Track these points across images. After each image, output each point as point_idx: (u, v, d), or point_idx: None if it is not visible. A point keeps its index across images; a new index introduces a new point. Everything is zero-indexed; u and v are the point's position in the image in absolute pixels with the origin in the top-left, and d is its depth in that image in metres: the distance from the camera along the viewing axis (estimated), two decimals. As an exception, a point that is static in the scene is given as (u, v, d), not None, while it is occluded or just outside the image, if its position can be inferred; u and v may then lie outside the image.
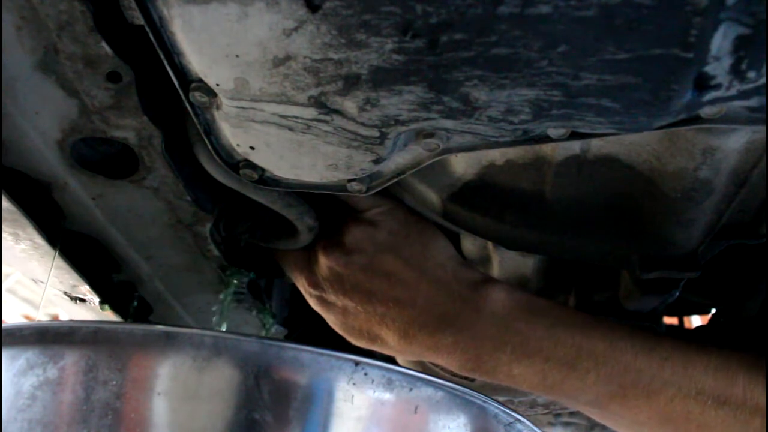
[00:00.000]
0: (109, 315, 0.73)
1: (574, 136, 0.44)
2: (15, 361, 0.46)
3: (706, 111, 0.40)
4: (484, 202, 0.63)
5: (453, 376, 0.72)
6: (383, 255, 0.63)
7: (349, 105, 0.41)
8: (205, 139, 0.50)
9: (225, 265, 0.71)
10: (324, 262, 0.65)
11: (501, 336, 0.60)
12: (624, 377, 0.59)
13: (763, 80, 0.36)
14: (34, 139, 0.53)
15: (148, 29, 0.40)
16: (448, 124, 0.43)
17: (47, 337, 0.46)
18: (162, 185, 0.58)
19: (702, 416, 0.58)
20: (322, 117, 0.43)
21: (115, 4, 0.43)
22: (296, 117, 0.43)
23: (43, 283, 0.70)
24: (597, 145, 0.57)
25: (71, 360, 0.45)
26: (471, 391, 0.48)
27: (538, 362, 0.60)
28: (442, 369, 0.71)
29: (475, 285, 0.63)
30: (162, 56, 0.42)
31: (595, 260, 0.65)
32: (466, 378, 0.72)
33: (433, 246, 0.65)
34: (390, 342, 0.64)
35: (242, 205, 0.66)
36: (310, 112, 0.43)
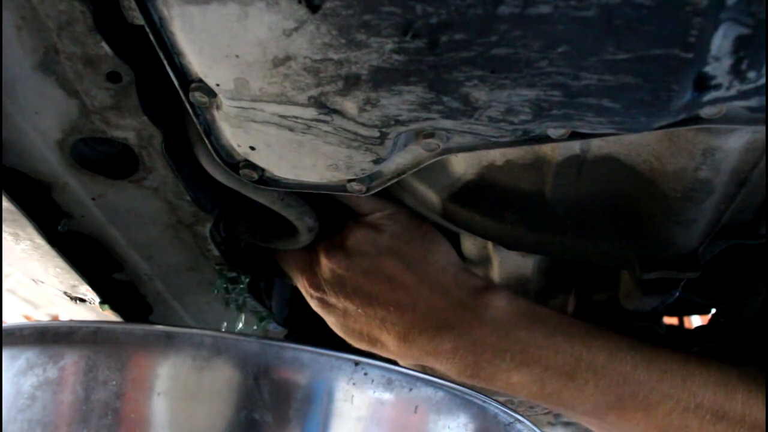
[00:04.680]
0: (109, 315, 0.73)
1: (574, 136, 0.44)
2: (15, 361, 0.46)
3: (706, 111, 0.40)
4: (484, 202, 0.63)
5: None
6: (385, 258, 0.63)
7: (349, 105, 0.41)
8: (205, 140, 0.50)
9: (223, 263, 0.71)
10: (326, 264, 0.65)
11: (501, 343, 0.60)
12: (623, 389, 0.58)
13: (763, 80, 0.36)
14: (34, 139, 0.53)
15: (148, 29, 0.40)
16: (448, 124, 0.43)
17: (47, 337, 0.46)
18: (162, 185, 0.58)
19: (700, 430, 0.57)
20: (322, 117, 0.43)
21: (115, 4, 0.43)
22: (296, 117, 0.43)
23: (43, 283, 0.71)
24: (597, 145, 0.57)
25: (71, 360, 0.45)
26: (471, 391, 0.48)
27: (537, 371, 0.60)
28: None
29: (476, 291, 0.63)
30: (162, 56, 0.42)
31: (595, 260, 0.65)
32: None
33: (435, 250, 0.65)
34: (389, 346, 0.64)
35: (242, 205, 0.66)
36: (310, 113, 0.43)
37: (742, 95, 0.37)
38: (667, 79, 0.36)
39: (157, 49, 0.41)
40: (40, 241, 0.60)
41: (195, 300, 0.78)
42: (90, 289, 0.69)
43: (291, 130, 0.45)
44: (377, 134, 0.44)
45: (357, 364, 0.45)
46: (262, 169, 0.53)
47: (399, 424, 0.46)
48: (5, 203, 0.55)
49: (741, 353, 0.66)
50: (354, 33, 0.35)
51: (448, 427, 0.47)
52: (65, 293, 0.72)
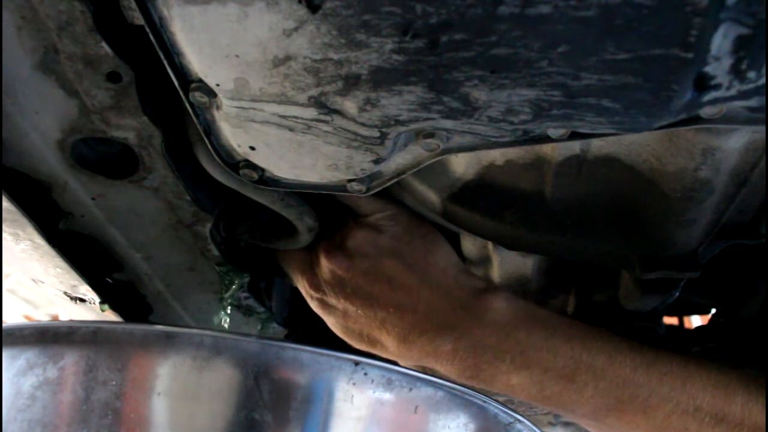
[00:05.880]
0: (109, 315, 0.73)
1: (574, 136, 0.44)
2: (15, 361, 0.46)
3: (706, 111, 0.40)
4: (484, 202, 0.63)
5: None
6: (386, 260, 0.63)
7: (349, 105, 0.41)
8: (205, 139, 0.50)
9: (223, 263, 0.71)
10: (326, 265, 0.65)
11: (500, 345, 0.60)
12: (622, 391, 0.58)
13: (763, 80, 0.36)
14: (34, 139, 0.53)
15: (148, 29, 0.40)
16: (448, 124, 0.43)
17: (47, 337, 0.46)
18: (162, 185, 0.58)
19: None
20: (322, 117, 0.43)
21: (115, 4, 0.43)
22: (296, 117, 0.43)
23: (43, 283, 0.71)
24: (597, 145, 0.57)
25: (71, 360, 0.45)
26: (471, 391, 0.48)
27: (537, 373, 0.60)
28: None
29: (476, 292, 0.63)
30: (162, 56, 0.42)
31: (595, 260, 0.65)
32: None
33: (436, 252, 0.65)
34: (390, 347, 0.64)
35: (242, 205, 0.66)
36: (310, 113, 0.43)
37: (742, 95, 0.37)
38: (667, 79, 0.36)
39: (157, 49, 0.41)
40: (40, 241, 0.60)
41: (195, 300, 0.78)
42: (90, 289, 0.69)
43: (291, 130, 0.45)
44: (377, 134, 0.44)
45: (357, 364, 0.45)
46: (262, 169, 0.53)
47: (399, 424, 0.46)
48: (5, 203, 0.55)
49: (739, 353, 0.66)
50: (354, 33, 0.35)
51: (448, 427, 0.47)
52: (65, 293, 0.72)
